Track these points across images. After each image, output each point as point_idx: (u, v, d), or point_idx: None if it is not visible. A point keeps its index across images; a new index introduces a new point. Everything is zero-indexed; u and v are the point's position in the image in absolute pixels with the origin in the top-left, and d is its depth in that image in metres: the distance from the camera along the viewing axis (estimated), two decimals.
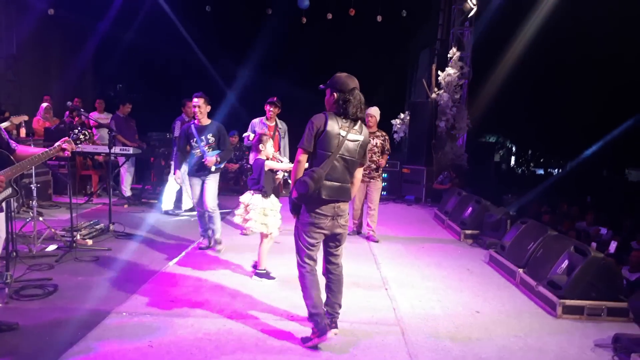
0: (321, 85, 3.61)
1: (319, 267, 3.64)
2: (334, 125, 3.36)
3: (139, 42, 12.11)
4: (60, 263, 4.99)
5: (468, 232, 7.05)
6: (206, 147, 5.45)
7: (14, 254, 4.74)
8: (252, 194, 4.84)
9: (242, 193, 5.31)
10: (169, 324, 3.71)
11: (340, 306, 3.66)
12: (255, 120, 6.88)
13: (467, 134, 11.33)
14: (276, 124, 6.91)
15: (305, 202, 3.44)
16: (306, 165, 3.48)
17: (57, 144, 3.59)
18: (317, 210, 3.41)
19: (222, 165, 5.62)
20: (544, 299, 4.49)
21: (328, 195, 3.37)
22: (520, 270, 5.07)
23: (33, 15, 10.03)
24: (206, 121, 5.56)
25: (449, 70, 10.81)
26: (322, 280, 3.60)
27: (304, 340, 3.52)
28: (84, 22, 11.58)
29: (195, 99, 5.44)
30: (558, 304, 4.25)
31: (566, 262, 4.55)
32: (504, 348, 3.62)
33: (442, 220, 8.17)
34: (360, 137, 3.47)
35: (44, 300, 4.03)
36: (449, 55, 10.92)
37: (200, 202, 5.63)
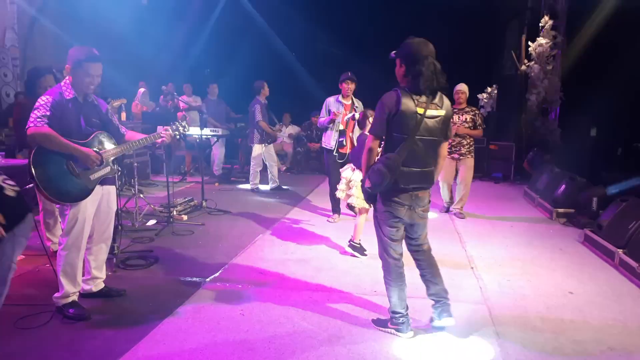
0: (392, 53, 3.14)
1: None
2: (409, 104, 2.94)
3: (222, 28, 12.56)
4: (159, 236, 5.40)
5: (561, 210, 6.68)
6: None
7: (119, 227, 5.19)
8: (354, 170, 4.85)
9: (323, 172, 5.32)
10: (258, 293, 3.90)
11: (446, 291, 3.32)
12: (330, 99, 6.24)
13: (560, 107, 10.64)
14: (352, 102, 6.23)
15: (380, 191, 3.13)
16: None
17: (158, 131, 3.89)
18: (394, 199, 3.09)
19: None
20: None
21: (406, 184, 3.05)
22: (620, 251, 4.74)
23: (129, 7, 10.68)
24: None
25: (540, 40, 10.15)
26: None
27: (378, 323, 3.38)
28: (173, 10, 12.18)
29: None
30: None
31: None
32: (600, 331, 3.43)
33: (532, 198, 7.80)
34: (442, 112, 3.05)
35: (147, 270, 4.39)
36: (540, 25, 10.24)
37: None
